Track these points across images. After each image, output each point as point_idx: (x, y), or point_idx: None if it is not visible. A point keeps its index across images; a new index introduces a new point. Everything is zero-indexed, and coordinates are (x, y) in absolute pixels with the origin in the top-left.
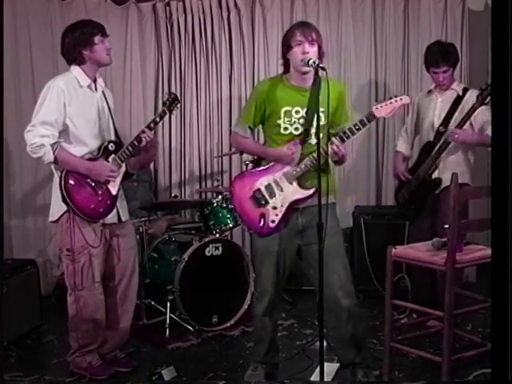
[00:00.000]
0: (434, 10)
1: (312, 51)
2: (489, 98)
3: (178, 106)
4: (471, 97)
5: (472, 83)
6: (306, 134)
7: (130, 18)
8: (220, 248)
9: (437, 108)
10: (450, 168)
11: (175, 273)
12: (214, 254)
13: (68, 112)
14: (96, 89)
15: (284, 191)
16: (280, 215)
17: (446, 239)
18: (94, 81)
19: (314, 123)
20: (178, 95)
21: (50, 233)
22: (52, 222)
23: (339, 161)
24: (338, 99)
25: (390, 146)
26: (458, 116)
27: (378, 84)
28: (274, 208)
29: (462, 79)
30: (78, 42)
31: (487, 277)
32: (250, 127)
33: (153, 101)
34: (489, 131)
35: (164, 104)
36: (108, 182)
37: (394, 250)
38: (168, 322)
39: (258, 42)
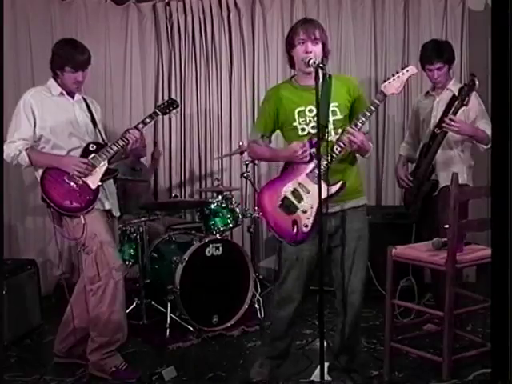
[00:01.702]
0: (434, 9)
1: (315, 50)
2: (467, 98)
3: (177, 110)
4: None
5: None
6: (323, 130)
7: (129, 18)
8: (220, 248)
9: (434, 109)
10: (445, 169)
11: (175, 273)
12: (215, 254)
13: (38, 122)
14: (72, 97)
15: (311, 192)
16: (312, 218)
17: (446, 239)
18: (71, 91)
19: (331, 119)
20: (178, 95)
21: (50, 233)
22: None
23: (361, 150)
24: (350, 93)
25: (389, 146)
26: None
27: (377, 83)
28: (305, 212)
29: (462, 79)
30: (53, 60)
31: (487, 277)
32: (265, 135)
33: (153, 101)
34: (479, 124)
35: (158, 106)
36: (79, 173)
37: (394, 250)
38: (168, 321)
39: (257, 42)
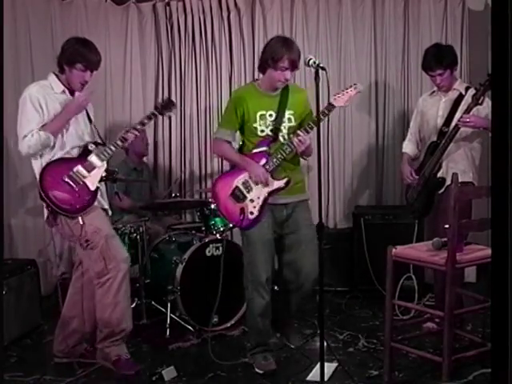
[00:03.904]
0: (434, 9)
1: (291, 75)
2: (482, 98)
3: (173, 111)
4: (470, 95)
5: (472, 83)
6: (276, 132)
7: (130, 18)
8: (220, 248)
9: (440, 109)
10: (453, 167)
11: (175, 273)
12: (215, 254)
13: (44, 118)
14: (72, 95)
15: (259, 185)
16: (258, 207)
17: (446, 239)
18: (72, 90)
19: (286, 125)
20: (178, 95)
21: (50, 233)
22: (47, 220)
23: (305, 153)
24: (304, 105)
25: (389, 146)
26: (459, 115)
27: (378, 84)
28: (252, 201)
29: (462, 79)
30: (65, 55)
31: (487, 277)
32: (232, 132)
33: (153, 101)
34: None
35: (156, 108)
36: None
37: (394, 250)
38: (168, 321)
39: (257, 42)
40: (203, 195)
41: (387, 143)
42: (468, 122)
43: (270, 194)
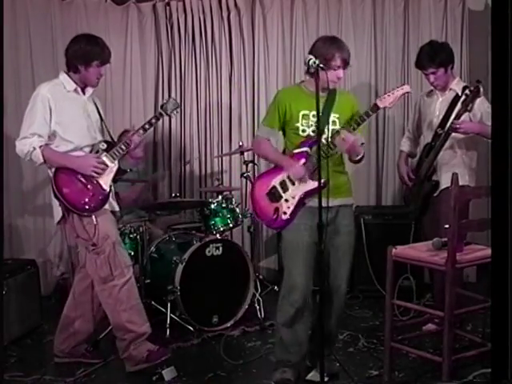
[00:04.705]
0: (433, 9)
1: (343, 74)
2: (471, 104)
3: (178, 111)
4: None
5: (472, 83)
6: (319, 133)
7: (130, 18)
8: (220, 248)
9: (437, 109)
10: (447, 170)
11: (175, 273)
12: (215, 254)
13: (54, 117)
14: (84, 93)
15: (296, 185)
16: (291, 207)
17: (446, 239)
18: (83, 88)
19: (329, 127)
20: (178, 95)
21: (49, 233)
22: (58, 223)
23: (351, 152)
24: (351, 111)
25: (389, 146)
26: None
27: (377, 84)
28: (287, 201)
29: (462, 79)
30: (78, 55)
31: (487, 277)
32: (272, 131)
33: (153, 101)
34: (488, 121)
35: (161, 107)
36: (97, 174)
37: (394, 250)
38: (168, 321)
39: (257, 42)
40: (203, 195)
41: (387, 143)
42: (458, 128)
43: (306, 194)
